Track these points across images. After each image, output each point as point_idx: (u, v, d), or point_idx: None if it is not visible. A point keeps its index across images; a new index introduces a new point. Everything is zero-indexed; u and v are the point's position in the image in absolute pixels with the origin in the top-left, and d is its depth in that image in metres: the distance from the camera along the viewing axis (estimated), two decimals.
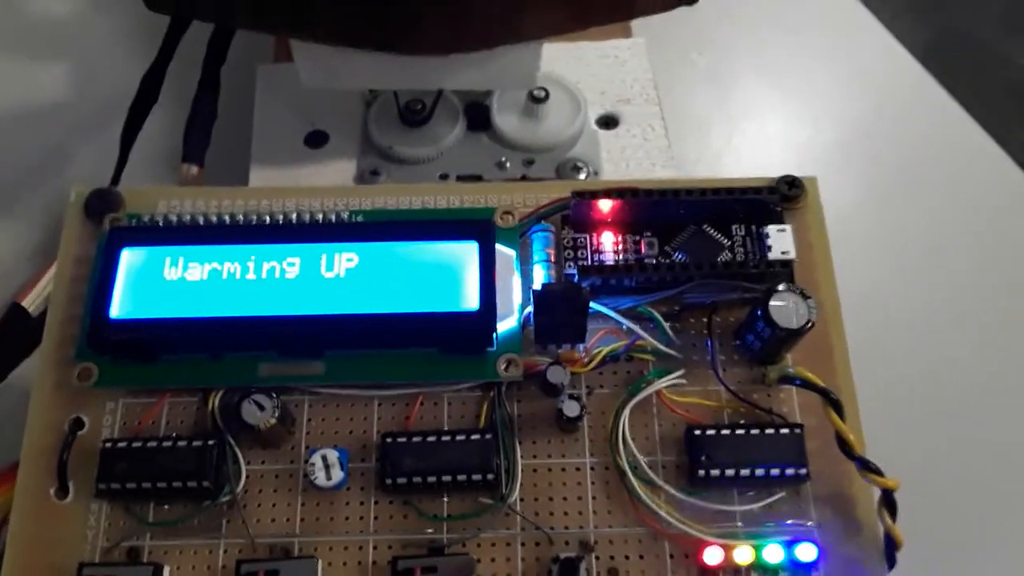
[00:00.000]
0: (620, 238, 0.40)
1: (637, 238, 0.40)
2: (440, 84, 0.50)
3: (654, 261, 0.39)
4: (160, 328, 0.37)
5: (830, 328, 0.40)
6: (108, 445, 0.37)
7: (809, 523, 0.37)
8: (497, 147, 0.54)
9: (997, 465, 0.50)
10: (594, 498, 0.38)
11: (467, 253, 0.39)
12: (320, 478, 0.36)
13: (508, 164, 0.53)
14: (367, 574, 0.36)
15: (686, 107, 0.63)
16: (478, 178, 0.53)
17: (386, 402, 0.39)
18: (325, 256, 0.39)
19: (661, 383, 0.39)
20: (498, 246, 0.39)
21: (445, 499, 0.38)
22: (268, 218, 0.40)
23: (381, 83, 0.52)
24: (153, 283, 0.38)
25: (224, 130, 0.53)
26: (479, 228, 0.39)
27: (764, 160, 0.62)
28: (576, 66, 0.57)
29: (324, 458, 0.37)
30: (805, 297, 0.37)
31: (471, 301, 0.38)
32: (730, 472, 0.36)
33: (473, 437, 0.37)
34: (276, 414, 0.37)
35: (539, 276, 0.40)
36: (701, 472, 0.37)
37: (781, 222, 0.40)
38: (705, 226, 0.40)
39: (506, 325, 0.39)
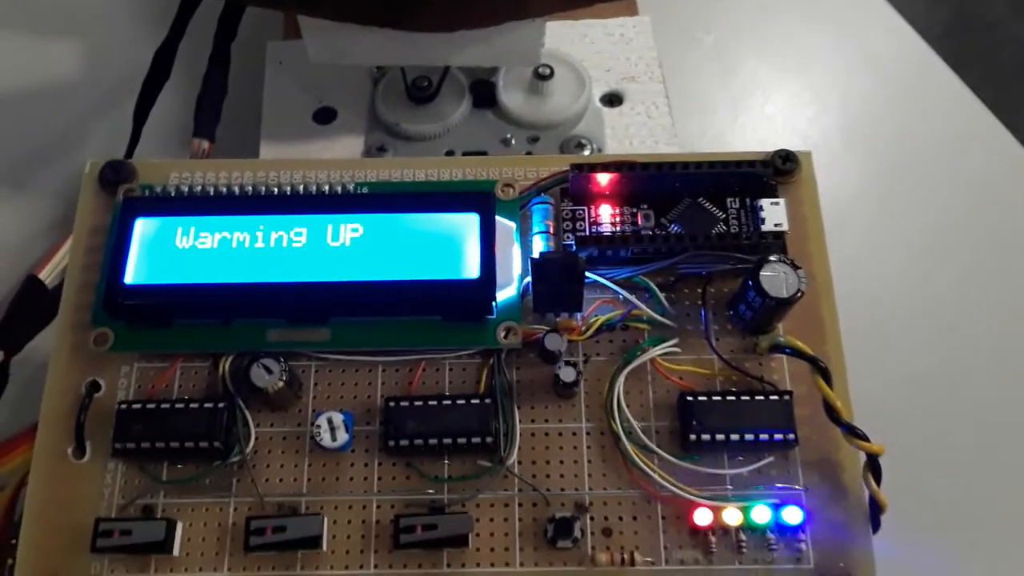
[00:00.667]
0: (617, 210, 0.41)
1: (634, 210, 0.41)
2: (446, 61, 0.51)
3: (650, 232, 0.40)
4: (172, 294, 0.39)
5: (821, 299, 0.41)
6: (123, 407, 0.39)
7: (796, 487, 0.38)
8: (502, 124, 0.55)
9: (981, 432, 0.51)
10: (589, 461, 0.39)
11: (468, 224, 0.40)
12: (326, 440, 0.38)
13: (513, 141, 0.54)
14: (371, 532, 0.38)
15: (691, 85, 0.63)
16: (483, 155, 0.53)
17: (389, 367, 0.40)
18: (331, 226, 0.40)
19: (655, 351, 0.40)
20: (498, 218, 0.41)
21: (446, 461, 0.39)
22: (276, 189, 0.42)
23: (388, 60, 0.53)
24: (166, 251, 0.39)
25: (235, 107, 0.54)
26: (480, 200, 0.41)
27: (768, 139, 0.62)
28: (581, 44, 0.58)
29: (330, 420, 0.38)
30: (795, 268, 0.38)
31: (472, 270, 0.39)
32: (721, 437, 0.38)
33: (473, 402, 0.38)
34: (284, 378, 0.38)
35: (538, 247, 0.41)
36: (693, 437, 0.38)
37: (775, 195, 0.41)
38: (700, 199, 0.41)
39: (506, 294, 0.40)
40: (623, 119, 0.56)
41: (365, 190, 0.42)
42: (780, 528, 0.38)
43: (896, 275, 0.56)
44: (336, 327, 0.40)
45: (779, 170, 0.42)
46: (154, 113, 0.54)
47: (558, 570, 0.37)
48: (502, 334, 0.39)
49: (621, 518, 0.38)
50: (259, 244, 0.39)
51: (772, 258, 0.38)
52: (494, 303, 0.39)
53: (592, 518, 0.38)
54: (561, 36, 0.58)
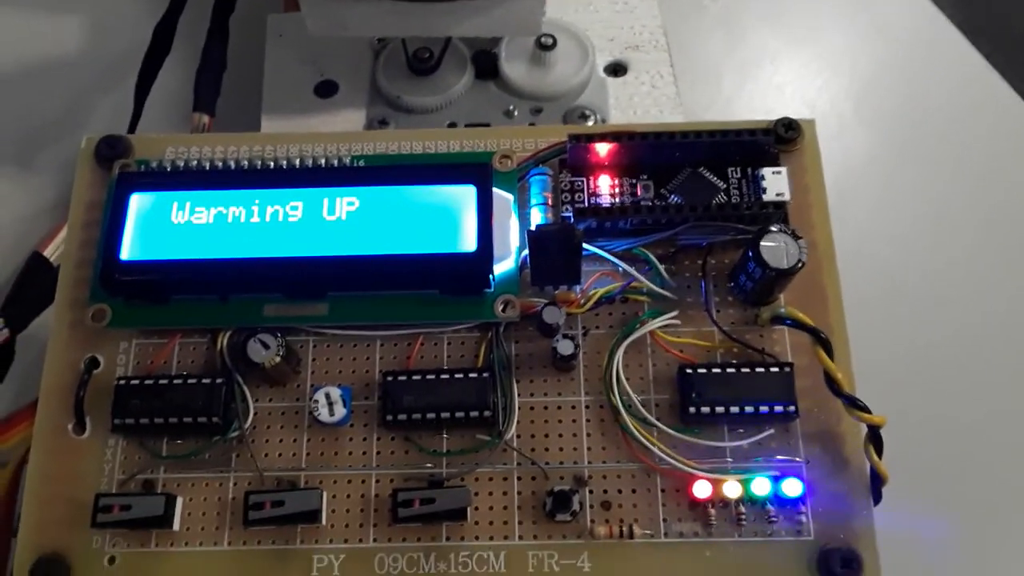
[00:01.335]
0: (616, 181, 0.41)
1: (633, 181, 0.41)
2: (446, 31, 0.51)
3: (649, 203, 0.40)
4: (168, 269, 0.39)
5: (823, 269, 0.40)
6: (122, 383, 0.39)
7: (797, 459, 0.38)
8: (505, 96, 0.54)
9: (984, 403, 0.50)
10: (588, 435, 0.39)
11: (465, 196, 0.40)
12: (323, 414, 0.38)
13: (516, 113, 0.54)
14: (369, 506, 0.38)
15: (696, 54, 0.63)
16: (486, 127, 0.53)
17: (387, 342, 0.40)
18: (327, 200, 0.40)
19: (655, 323, 0.40)
20: (496, 190, 0.40)
21: (444, 435, 0.39)
22: (272, 163, 0.41)
23: (388, 31, 0.53)
24: (161, 226, 0.39)
25: (236, 81, 0.54)
26: (477, 172, 0.40)
27: (776, 108, 0.61)
28: (584, 12, 0.57)
29: (327, 395, 0.38)
30: (796, 238, 0.37)
31: (469, 243, 0.39)
32: (721, 409, 0.37)
33: (471, 376, 0.38)
34: (280, 353, 0.38)
35: (536, 219, 0.40)
36: (692, 409, 0.37)
37: (777, 164, 0.40)
38: (701, 169, 0.41)
39: (503, 267, 0.40)
40: (627, 89, 0.55)
41: (362, 163, 0.42)
42: (780, 500, 0.37)
43: (904, 245, 0.55)
44: (333, 302, 0.40)
45: (781, 138, 0.41)
46: (158, 89, 0.54)
47: (557, 543, 0.37)
48: (500, 307, 0.39)
49: (620, 491, 0.38)
50: (255, 219, 0.39)
51: (773, 228, 0.37)
52: (491, 276, 0.39)
53: (591, 491, 0.38)
54: (564, 5, 0.57)
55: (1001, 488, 0.48)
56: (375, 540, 0.38)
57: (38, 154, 0.60)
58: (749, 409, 0.37)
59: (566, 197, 0.40)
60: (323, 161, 0.41)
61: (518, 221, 0.40)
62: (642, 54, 0.56)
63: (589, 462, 0.38)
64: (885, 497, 0.37)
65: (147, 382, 0.38)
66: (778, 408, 0.37)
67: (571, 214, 0.40)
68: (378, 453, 0.39)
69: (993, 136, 0.59)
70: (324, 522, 0.38)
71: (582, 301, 0.40)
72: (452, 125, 0.53)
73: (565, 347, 0.38)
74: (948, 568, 0.45)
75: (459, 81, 0.54)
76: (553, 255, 0.37)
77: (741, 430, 0.38)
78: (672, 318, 0.40)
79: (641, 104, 0.55)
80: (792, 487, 0.37)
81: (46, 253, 0.50)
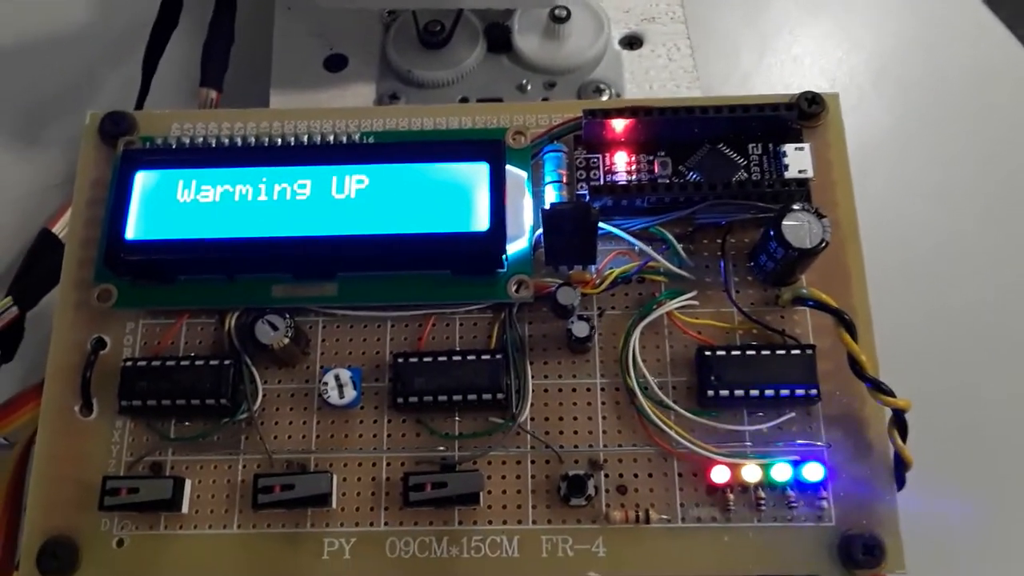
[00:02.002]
0: (633, 158, 0.39)
1: (651, 158, 0.39)
2: (459, 3, 0.50)
3: (667, 181, 0.39)
4: (174, 249, 0.38)
5: (847, 249, 0.39)
6: (129, 364, 0.38)
7: (819, 443, 0.37)
8: (518, 69, 0.53)
9: (1012, 386, 0.49)
10: (604, 418, 0.38)
11: (477, 174, 0.39)
12: (333, 397, 0.37)
13: (529, 87, 0.53)
14: (380, 489, 0.37)
15: (714, 26, 0.61)
16: (498, 101, 0.52)
17: (398, 323, 0.39)
18: (336, 178, 0.39)
19: (672, 304, 0.39)
20: (509, 167, 0.39)
21: (456, 418, 0.38)
22: (280, 140, 0.40)
23: (398, 2, 0.52)
24: (167, 205, 0.39)
25: (245, 56, 0.53)
26: (489, 149, 0.39)
27: (795, 82, 0.60)
28: None
29: (337, 377, 0.37)
30: (820, 216, 0.36)
31: (481, 222, 0.38)
32: (740, 393, 0.36)
33: (484, 357, 0.37)
34: (289, 334, 0.37)
35: (551, 197, 0.39)
36: (711, 392, 0.37)
37: (800, 140, 0.39)
38: (720, 145, 0.39)
39: (517, 246, 0.39)
40: (643, 62, 0.54)
41: (371, 140, 0.41)
42: (801, 485, 0.37)
43: (926, 221, 0.54)
44: (343, 282, 0.39)
45: (804, 113, 0.40)
46: (168, 64, 0.53)
47: (571, 528, 0.37)
48: (513, 288, 0.38)
49: (636, 475, 0.37)
50: (262, 197, 0.38)
51: (795, 207, 0.36)
52: (504, 256, 0.38)
53: (606, 475, 0.37)
54: None
55: None
56: (386, 524, 0.37)
57: (46, 129, 0.60)
58: (769, 392, 0.36)
59: (581, 174, 0.39)
60: (332, 138, 0.40)
61: (532, 199, 0.39)
62: (659, 26, 0.55)
63: (604, 446, 0.38)
64: (909, 482, 0.36)
65: (154, 363, 0.38)
66: (799, 391, 0.36)
67: (586, 192, 0.39)
68: (389, 436, 0.38)
69: (1016, 108, 0.58)
70: (335, 505, 0.37)
71: (597, 281, 0.39)
72: (464, 100, 0.52)
73: (580, 329, 0.37)
74: (973, 555, 0.44)
75: (471, 55, 0.53)
76: (568, 234, 0.36)
77: (761, 414, 0.37)
78: (690, 299, 0.39)
79: (657, 78, 0.53)
80: (813, 472, 0.36)
81: (55, 230, 0.50)
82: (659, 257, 0.39)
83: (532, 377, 0.38)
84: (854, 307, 0.38)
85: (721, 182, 0.38)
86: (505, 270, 0.38)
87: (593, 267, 0.39)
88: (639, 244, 0.39)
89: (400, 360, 0.37)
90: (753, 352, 0.37)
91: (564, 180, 0.40)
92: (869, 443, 0.37)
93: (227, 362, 0.38)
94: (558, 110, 0.42)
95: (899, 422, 0.35)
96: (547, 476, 0.37)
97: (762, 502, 0.36)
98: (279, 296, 0.39)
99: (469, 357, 0.37)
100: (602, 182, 0.39)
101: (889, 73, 0.60)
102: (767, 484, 0.36)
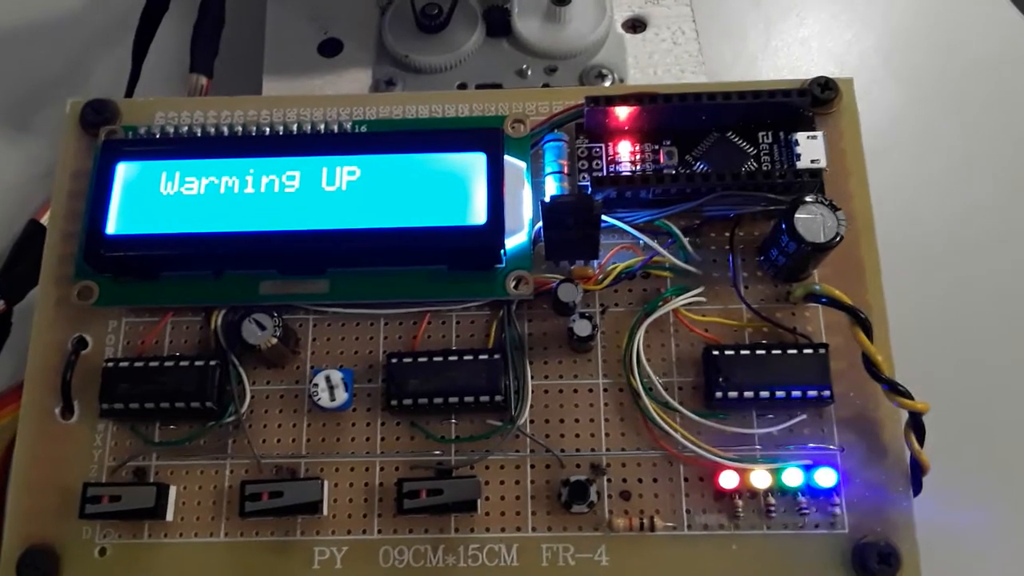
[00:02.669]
0: (637, 147, 0.38)
1: (656, 147, 0.38)
2: None
3: (673, 171, 0.37)
4: (157, 244, 0.36)
5: (861, 242, 0.38)
6: (110, 365, 0.36)
7: (831, 447, 0.36)
8: (518, 54, 0.51)
9: None
10: (607, 420, 0.36)
11: (474, 164, 0.37)
12: (324, 399, 0.36)
13: (530, 72, 0.51)
14: (373, 495, 0.36)
15: (718, 7, 0.59)
16: (498, 87, 0.50)
17: (392, 321, 0.38)
18: (326, 169, 0.37)
19: (679, 301, 0.37)
20: (508, 157, 0.38)
21: (452, 421, 0.37)
22: (268, 130, 0.39)
23: None
24: (149, 198, 0.37)
25: (236, 42, 0.51)
26: (487, 138, 0.38)
27: (803, 65, 0.58)
28: None
29: (328, 379, 0.36)
30: (834, 209, 0.34)
31: (479, 215, 0.36)
32: (749, 394, 0.35)
33: (481, 357, 0.36)
34: (277, 333, 0.36)
35: (551, 188, 0.38)
36: (719, 394, 0.35)
37: (812, 128, 0.37)
38: (729, 133, 0.38)
39: (516, 240, 0.37)
40: (647, 46, 0.52)
41: (364, 129, 0.39)
42: (812, 491, 0.35)
43: (938, 208, 0.52)
44: (334, 278, 0.37)
45: (817, 99, 0.39)
46: (160, 51, 0.52)
47: (573, 535, 0.35)
48: (512, 284, 0.37)
49: (640, 480, 0.36)
50: (249, 189, 0.37)
51: (808, 199, 0.34)
52: (503, 251, 0.37)
53: (609, 480, 0.36)
54: None
55: None
56: (379, 532, 0.36)
57: (34, 118, 0.58)
58: (780, 393, 0.35)
59: (583, 165, 0.38)
60: (323, 127, 0.39)
61: (531, 191, 0.38)
62: (663, 8, 0.53)
63: (607, 449, 0.36)
64: (925, 487, 0.35)
65: (137, 364, 0.36)
66: (811, 392, 0.35)
67: (588, 183, 0.37)
68: (382, 440, 0.37)
69: None
70: (325, 513, 0.36)
71: (600, 277, 0.37)
72: (462, 86, 0.50)
73: (582, 328, 0.35)
74: (992, 564, 0.43)
75: (469, 39, 0.51)
76: (569, 228, 0.35)
77: (771, 416, 0.36)
78: (697, 295, 0.37)
79: (662, 62, 0.52)
80: (825, 477, 0.35)
81: (43, 221, 0.48)
82: (664, 252, 0.37)
83: (532, 378, 0.37)
84: (869, 304, 0.37)
85: (730, 172, 0.36)
86: (503, 265, 0.37)
87: (595, 262, 0.38)
88: (644, 238, 0.37)
89: (394, 360, 0.36)
90: (763, 351, 0.36)
91: (565, 171, 0.38)
92: (884, 446, 0.36)
93: (213, 363, 0.36)
94: (559, 97, 0.40)
95: (916, 425, 0.34)
96: (547, 481, 0.36)
97: (772, 508, 0.35)
98: (267, 293, 0.37)
99: (466, 357, 0.36)
100: (605, 173, 0.37)
101: (899, 56, 0.58)
102: (777, 490, 0.35)
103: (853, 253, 0.37)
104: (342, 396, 0.36)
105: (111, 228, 0.36)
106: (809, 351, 0.35)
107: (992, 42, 0.58)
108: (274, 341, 0.36)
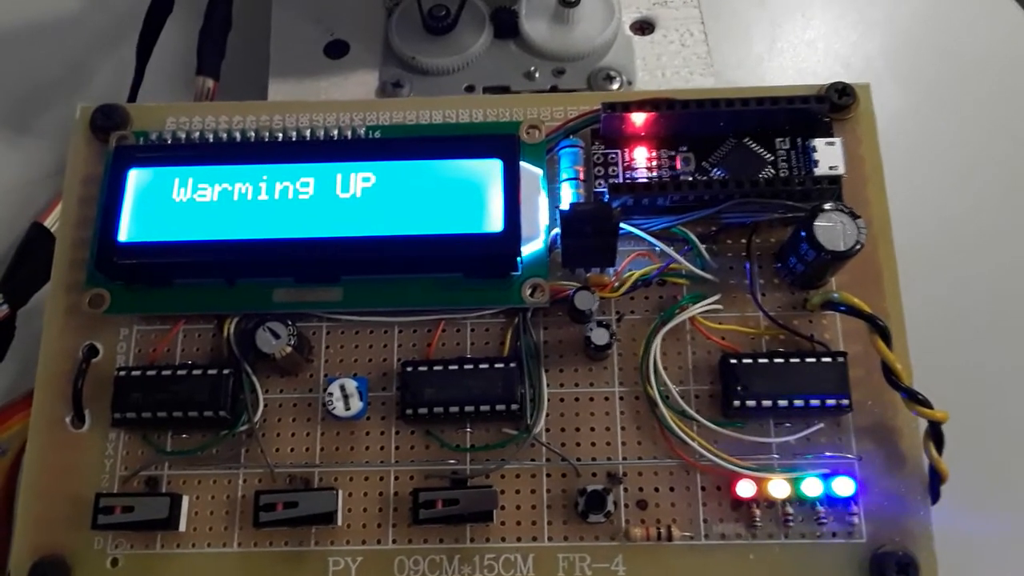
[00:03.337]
0: (654, 153, 0.38)
1: (672, 153, 0.38)
2: None
3: (690, 178, 0.37)
4: (170, 252, 0.36)
5: (879, 249, 0.38)
6: (122, 373, 0.36)
7: (849, 456, 0.35)
8: (526, 56, 0.51)
9: None
10: (623, 429, 0.36)
11: (490, 171, 0.37)
12: (338, 408, 0.35)
13: (537, 74, 0.51)
14: (388, 505, 0.36)
15: (723, 9, 0.59)
16: (505, 89, 0.50)
17: (406, 329, 0.38)
18: (340, 176, 0.37)
19: (696, 309, 0.37)
20: (523, 163, 0.37)
21: (468, 430, 0.36)
22: (281, 135, 0.38)
23: None
24: (162, 205, 0.37)
25: (242, 44, 0.51)
26: (503, 144, 0.37)
27: (809, 66, 0.58)
28: None
29: (342, 387, 0.36)
30: (854, 217, 0.34)
31: (495, 222, 0.36)
32: (767, 402, 0.35)
33: (497, 365, 0.36)
34: (291, 342, 0.35)
35: (567, 195, 0.38)
36: (736, 402, 0.35)
37: (830, 134, 0.37)
38: (746, 139, 0.38)
39: (532, 248, 0.37)
40: (655, 48, 0.52)
41: (377, 135, 0.39)
42: (830, 500, 0.35)
43: (944, 212, 0.52)
44: (348, 286, 0.37)
45: (835, 105, 0.38)
46: (163, 54, 0.51)
47: (589, 545, 0.35)
48: (528, 292, 0.36)
49: (657, 489, 0.36)
50: (263, 196, 0.36)
51: (827, 206, 0.34)
52: (519, 258, 0.36)
53: (626, 489, 0.36)
54: None
55: None
56: (394, 541, 0.35)
57: (37, 119, 0.58)
58: (798, 402, 0.35)
59: (599, 171, 0.38)
60: (336, 132, 0.38)
61: (547, 198, 0.38)
62: (671, 10, 0.53)
63: (624, 458, 0.36)
64: (944, 496, 0.35)
65: (149, 373, 0.36)
66: (830, 401, 0.35)
67: (605, 190, 0.37)
68: (397, 448, 0.36)
69: None
70: (340, 522, 0.35)
71: (616, 284, 0.37)
72: (470, 88, 0.50)
73: (600, 336, 0.35)
74: (1012, 573, 0.42)
75: (477, 41, 0.51)
76: (587, 236, 0.34)
77: (789, 424, 0.36)
78: (714, 303, 0.37)
79: (670, 64, 0.51)
80: (844, 486, 0.35)
81: (46, 223, 0.48)
82: (681, 259, 0.37)
83: (548, 386, 0.37)
84: (887, 311, 0.37)
85: (747, 179, 0.36)
86: (520, 273, 0.37)
87: (612, 269, 0.37)
88: (660, 245, 0.37)
89: (408, 369, 0.36)
90: (781, 360, 0.35)
91: (581, 177, 0.38)
92: (902, 455, 0.35)
93: (226, 371, 0.36)
94: (573, 102, 0.40)
95: (935, 434, 0.34)
96: (563, 490, 0.36)
97: (789, 518, 0.35)
98: (281, 301, 0.37)
99: (481, 365, 0.36)
100: (621, 180, 0.37)
101: (905, 57, 0.58)
102: (795, 499, 0.35)
103: (871, 260, 0.37)
104: (357, 405, 0.35)
105: (123, 235, 0.36)
106: (827, 359, 0.35)
107: (1001, 43, 0.58)
108: (288, 350, 0.35)
